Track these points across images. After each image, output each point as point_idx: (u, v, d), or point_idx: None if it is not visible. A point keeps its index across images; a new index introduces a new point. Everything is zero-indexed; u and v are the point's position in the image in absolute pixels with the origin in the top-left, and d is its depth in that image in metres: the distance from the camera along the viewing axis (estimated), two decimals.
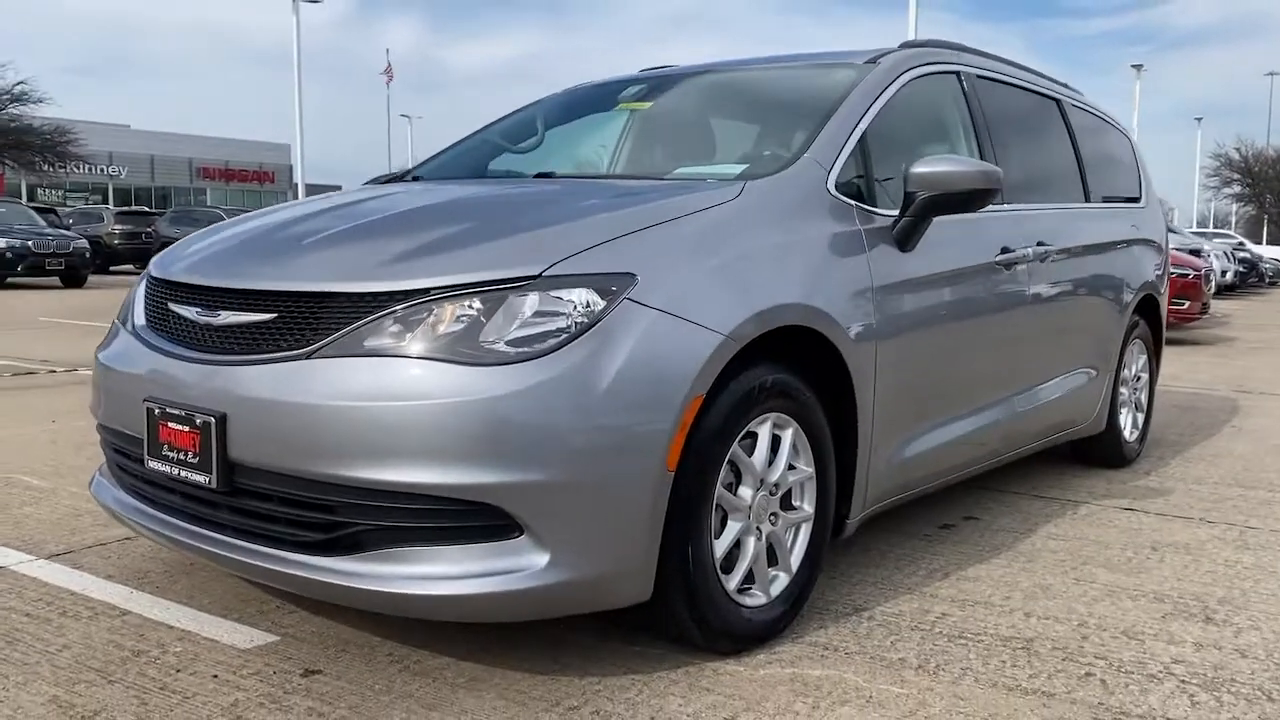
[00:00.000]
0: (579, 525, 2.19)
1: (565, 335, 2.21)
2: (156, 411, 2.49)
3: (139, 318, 2.78)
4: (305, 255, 2.50)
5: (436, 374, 2.17)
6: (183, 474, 2.44)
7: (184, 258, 2.79)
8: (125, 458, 2.72)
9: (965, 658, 2.60)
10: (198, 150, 69.69)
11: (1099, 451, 4.73)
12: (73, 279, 19.36)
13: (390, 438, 2.15)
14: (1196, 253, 14.81)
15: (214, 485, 2.37)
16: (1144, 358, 4.99)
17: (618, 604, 2.32)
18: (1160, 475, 4.72)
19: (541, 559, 2.17)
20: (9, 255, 18.36)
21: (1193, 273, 11.38)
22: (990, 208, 3.60)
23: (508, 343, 2.20)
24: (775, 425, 2.61)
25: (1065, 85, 4.85)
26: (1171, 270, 11.27)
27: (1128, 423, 4.85)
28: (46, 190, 55.96)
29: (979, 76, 3.87)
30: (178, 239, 13.74)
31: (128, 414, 2.62)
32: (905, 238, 3.04)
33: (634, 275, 2.31)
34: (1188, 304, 11.31)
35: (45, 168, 43.81)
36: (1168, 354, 10.00)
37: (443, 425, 2.13)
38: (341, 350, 2.25)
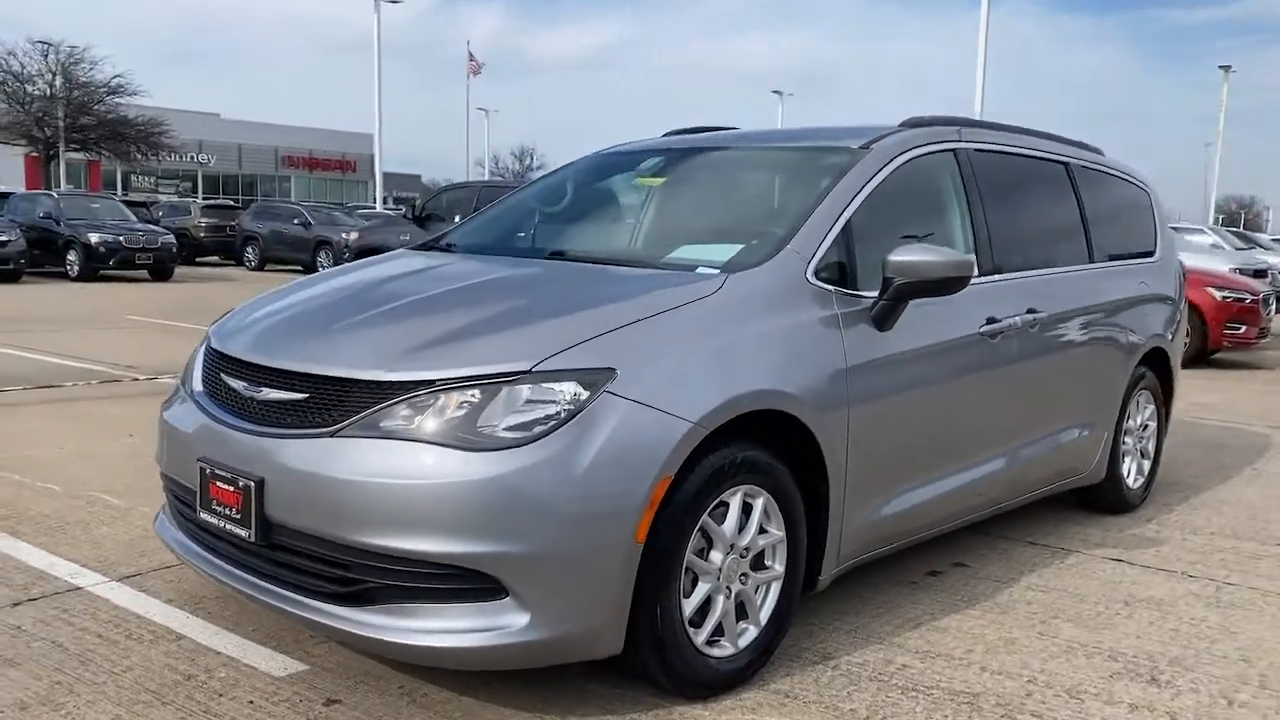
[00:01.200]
0: (556, 590, 2.53)
1: (552, 423, 2.56)
2: (208, 471, 2.89)
3: (197, 384, 3.19)
4: (336, 341, 2.88)
5: (439, 456, 2.53)
6: (228, 526, 2.84)
7: (238, 332, 3.19)
8: (183, 504, 3.14)
9: (912, 710, 2.89)
10: (283, 139, 71.35)
11: (1101, 498, 4.94)
12: (160, 272, 20.28)
13: (397, 510, 2.52)
14: (1261, 274, 14.61)
15: (252, 539, 2.77)
16: (1151, 408, 5.17)
17: (592, 657, 2.66)
18: (1160, 523, 4.91)
19: (523, 619, 2.53)
20: (102, 250, 19.32)
21: (1250, 297, 11.33)
22: (980, 279, 3.87)
23: (502, 429, 2.55)
24: (747, 495, 2.93)
25: (1080, 145, 5.05)
26: (1229, 294, 11.25)
27: (1131, 470, 5.05)
28: (140, 177, 58.04)
29: (978, 151, 4.11)
30: (260, 233, 14.72)
31: (185, 468, 3.03)
32: (883, 319, 3.33)
33: (614, 370, 2.65)
34: (1244, 329, 11.26)
35: (138, 157, 45.47)
36: (1211, 383, 10.03)
37: (441, 502, 2.50)
38: (361, 431, 2.62)
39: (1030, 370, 4.08)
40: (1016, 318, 3.96)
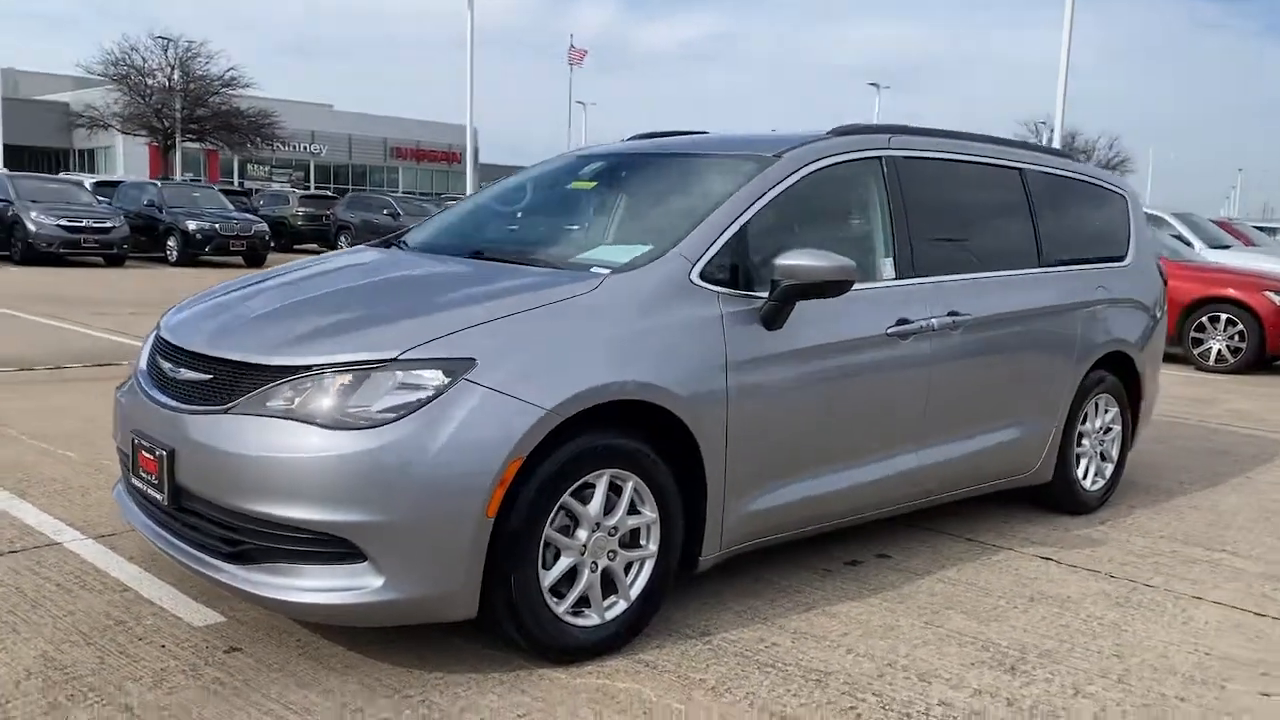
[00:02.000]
0: (409, 556, 2.83)
1: (413, 407, 2.85)
2: (136, 441, 3.27)
3: (142, 363, 3.58)
4: (245, 329, 3.22)
5: (311, 433, 2.85)
6: (150, 491, 3.21)
7: (175, 317, 3.57)
8: (125, 470, 3.53)
9: (759, 684, 3.10)
10: (392, 131, 73.21)
11: (1053, 499, 5.02)
12: (253, 258, 21.28)
13: (273, 481, 2.84)
14: None
15: (166, 502, 3.13)
16: (1114, 411, 5.21)
17: (447, 619, 2.95)
18: (1114, 525, 4.97)
19: (378, 581, 2.83)
20: (198, 236, 20.41)
21: None
22: (896, 282, 4.03)
23: (368, 411, 2.85)
24: (614, 479, 3.17)
25: (1044, 150, 5.13)
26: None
27: (1089, 473, 5.11)
28: (255, 166, 60.34)
29: (909, 158, 4.25)
30: (352, 222, 15.57)
31: (125, 439, 3.42)
32: (771, 318, 3.53)
33: (474, 360, 2.93)
34: None
35: (250, 147, 47.40)
36: (1257, 389, 9.80)
37: (309, 474, 2.81)
38: (248, 409, 2.96)
39: (953, 370, 4.21)
40: (934, 319, 4.10)
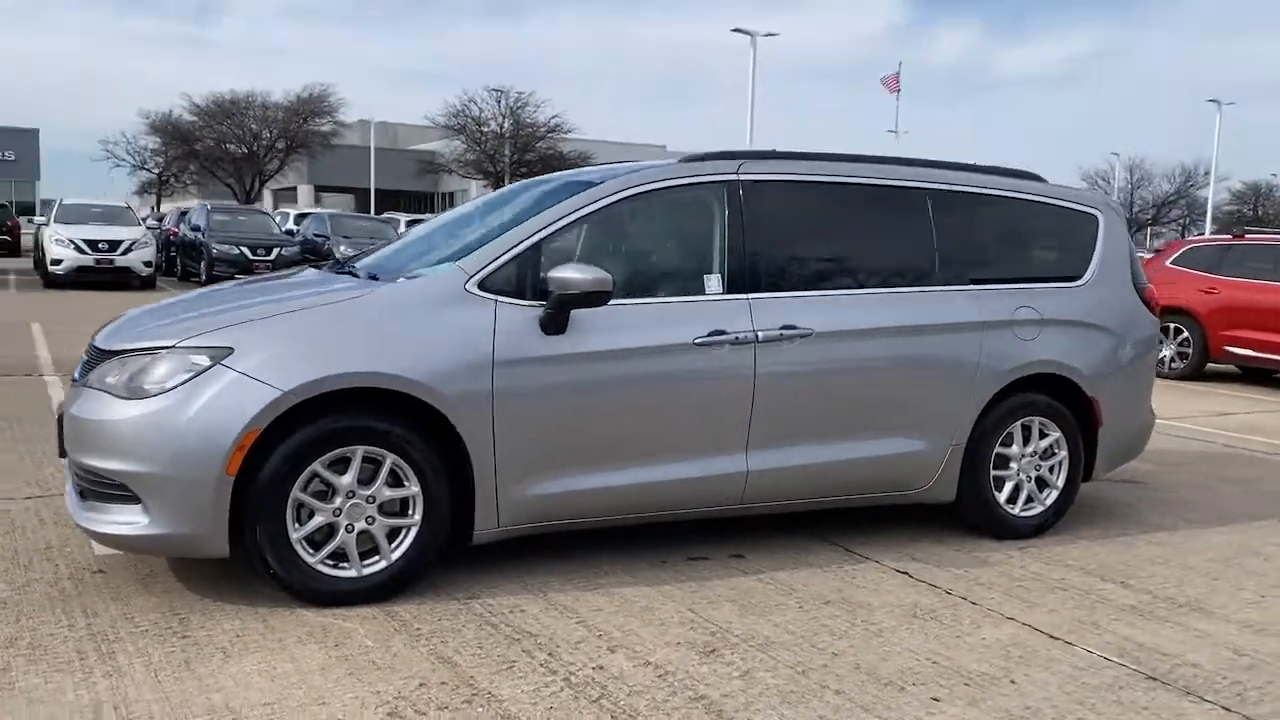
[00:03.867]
0: (167, 502, 3.59)
1: (178, 384, 3.63)
2: (60, 412, 4.29)
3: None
4: (124, 326, 4.14)
5: (111, 402, 3.70)
6: (59, 447, 4.21)
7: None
8: None
9: (462, 636, 3.57)
10: None
11: (967, 520, 4.98)
12: None
13: (87, 437, 3.72)
14: None
15: (60, 455, 4.10)
16: (1054, 436, 5.05)
17: (203, 555, 3.68)
18: (1026, 550, 4.84)
19: (145, 519, 3.62)
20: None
21: None
22: (717, 296, 4.33)
23: (147, 385, 3.66)
24: (369, 455, 3.78)
25: (979, 170, 5.12)
26: None
27: (1018, 497, 5.00)
28: None
29: (760, 181, 4.51)
30: None
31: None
32: (549, 324, 3.99)
33: (232, 348, 3.66)
34: None
35: None
36: None
37: (106, 433, 3.66)
38: (90, 383, 3.86)
39: (792, 381, 4.40)
40: (759, 331, 4.33)
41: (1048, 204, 5.21)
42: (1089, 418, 5.14)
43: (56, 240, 19.17)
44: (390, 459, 3.81)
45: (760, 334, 4.34)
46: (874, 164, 4.87)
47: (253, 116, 47.62)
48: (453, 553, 4.14)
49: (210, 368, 3.64)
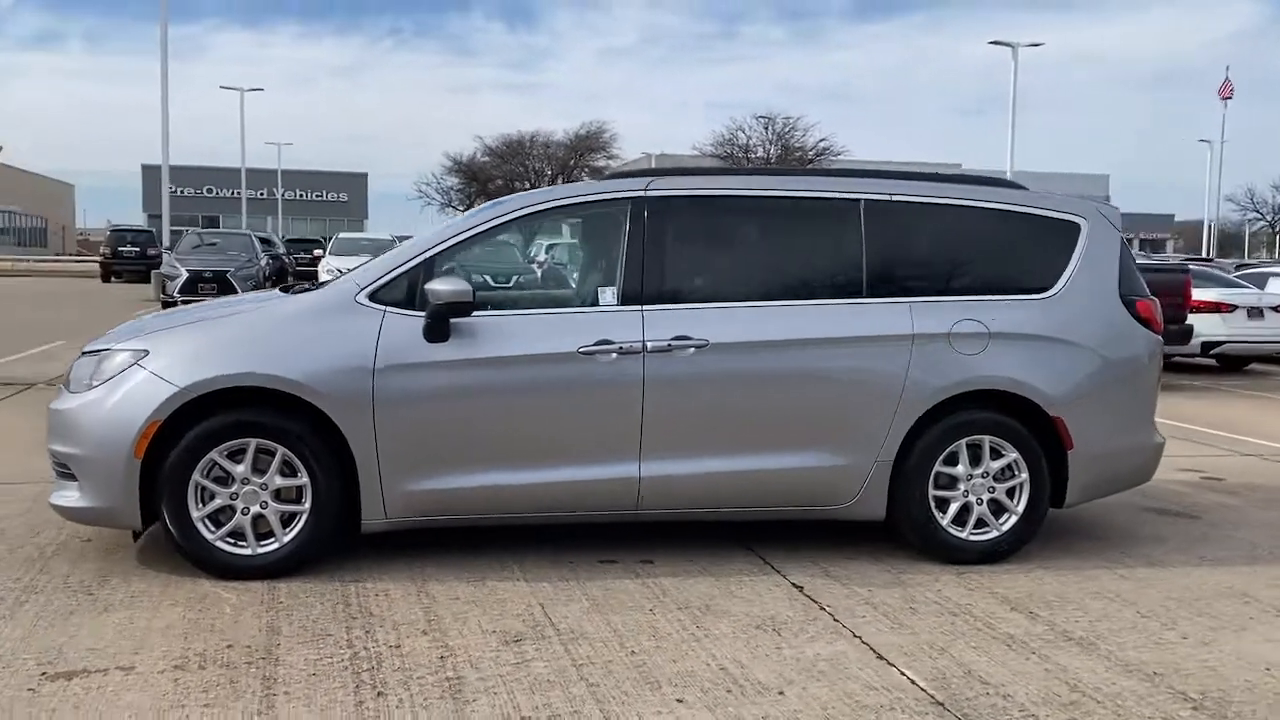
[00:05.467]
0: (90, 479, 4.26)
1: (105, 379, 4.30)
2: None
3: None
4: (107, 332, 4.90)
5: (65, 395, 4.44)
6: None
7: None
8: None
9: (309, 609, 3.98)
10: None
11: (910, 540, 4.80)
12: None
13: (50, 424, 4.47)
14: None
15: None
16: (1011, 457, 4.76)
17: (125, 527, 4.33)
18: (967, 576, 4.62)
19: (78, 494, 4.31)
20: None
21: None
22: (608, 308, 4.52)
23: (87, 381, 4.37)
24: (261, 447, 4.29)
25: (934, 179, 4.96)
26: None
27: (968, 520, 4.76)
28: None
29: (666, 198, 4.64)
30: None
31: None
32: (428, 332, 4.35)
33: (148, 351, 4.30)
34: None
35: None
36: None
37: (57, 420, 4.40)
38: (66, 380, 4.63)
39: (686, 390, 4.49)
40: (647, 342, 4.46)
41: (1013, 212, 4.93)
42: (1055, 439, 4.80)
43: (327, 270, 21.56)
44: (281, 451, 4.29)
45: (649, 344, 4.47)
46: (800, 177, 4.86)
47: (536, 155, 50.90)
48: (347, 541, 4.55)
49: (130, 367, 4.29)
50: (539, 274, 4.88)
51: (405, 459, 4.36)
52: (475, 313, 4.39)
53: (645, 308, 4.53)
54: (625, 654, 3.67)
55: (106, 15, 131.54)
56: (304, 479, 4.32)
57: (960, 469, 4.76)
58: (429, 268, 4.47)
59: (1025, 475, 4.80)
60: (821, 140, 48.53)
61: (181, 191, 70.82)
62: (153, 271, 23.57)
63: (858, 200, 4.81)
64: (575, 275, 4.85)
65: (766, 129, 48.61)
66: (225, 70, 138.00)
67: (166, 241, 30.92)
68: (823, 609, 4.18)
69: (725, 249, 4.76)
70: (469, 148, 57.58)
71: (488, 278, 4.84)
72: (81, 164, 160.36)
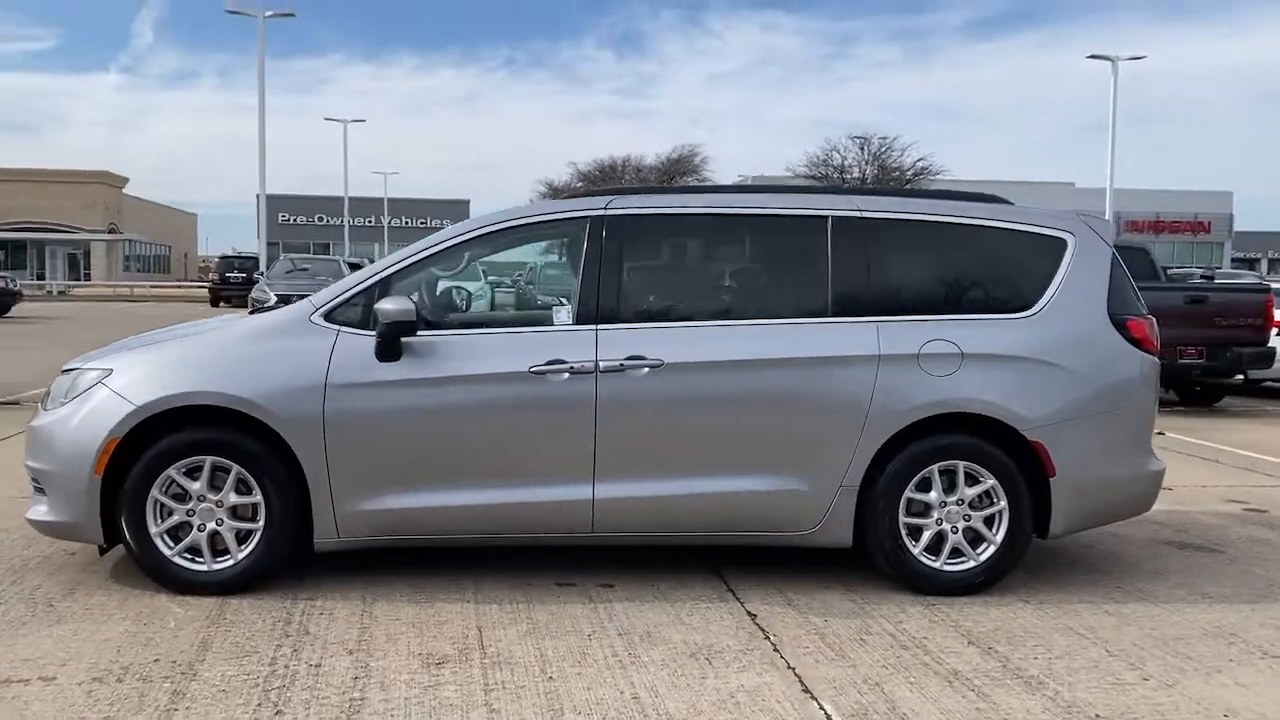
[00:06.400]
0: (56, 493, 4.40)
1: (74, 397, 4.44)
2: None
3: None
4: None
5: (40, 412, 4.59)
6: None
7: None
8: None
9: (249, 624, 4.02)
10: (1125, 204, 70.15)
11: (881, 569, 4.62)
12: None
13: (27, 440, 4.63)
14: None
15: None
16: (987, 484, 4.53)
17: (86, 541, 4.44)
18: (936, 608, 4.41)
19: (46, 508, 4.44)
20: None
21: None
22: (562, 327, 4.49)
23: (59, 398, 4.51)
24: (216, 465, 4.36)
25: (907, 194, 4.80)
26: None
27: (942, 549, 4.55)
28: None
29: (625, 216, 4.58)
30: None
31: None
32: (379, 351, 4.37)
33: (112, 369, 4.42)
34: None
35: None
36: None
37: (31, 437, 4.56)
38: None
39: (641, 411, 4.41)
40: (600, 361, 4.40)
41: (991, 228, 4.73)
42: (1036, 465, 4.57)
43: (258, 290, 22.09)
44: (235, 469, 4.36)
45: (602, 364, 4.41)
46: (767, 194, 4.74)
47: (627, 179, 51.20)
48: (302, 560, 4.59)
49: (95, 385, 4.41)
50: (498, 294, 4.86)
51: (356, 478, 4.38)
52: (426, 332, 4.40)
53: (600, 326, 4.47)
54: (543, 680, 3.60)
55: (237, 52, 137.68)
56: (258, 497, 4.38)
57: (933, 495, 4.56)
58: (384, 287, 4.50)
59: (1004, 503, 4.57)
60: (920, 160, 47.72)
61: (294, 219, 73.79)
62: (249, 296, 24.46)
63: (825, 217, 4.67)
64: (536, 295, 4.82)
65: (862, 149, 48.03)
66: (346, 102, 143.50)
67: (264, 267, 32.06)
68: (767, 638, 4.04)
69: (685, 268, 4.69)
70: (565, 173, 58.33)
71: (455, 294, 4.81)
72: (206, 194, 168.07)
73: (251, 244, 60.49)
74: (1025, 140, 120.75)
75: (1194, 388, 12.03)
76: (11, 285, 26.91)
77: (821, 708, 3.42)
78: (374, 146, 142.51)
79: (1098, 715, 3.40)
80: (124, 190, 63.98)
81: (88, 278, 55.57)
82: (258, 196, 34.74)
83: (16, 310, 26.31)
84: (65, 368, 4.70)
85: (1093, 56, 30.89)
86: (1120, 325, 4.70)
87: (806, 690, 3.56)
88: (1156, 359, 4.78)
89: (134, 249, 64.82)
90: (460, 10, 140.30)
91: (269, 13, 31.10)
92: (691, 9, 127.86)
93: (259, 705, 3.36)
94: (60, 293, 46.50)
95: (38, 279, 51.90)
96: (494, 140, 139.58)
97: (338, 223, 66.22)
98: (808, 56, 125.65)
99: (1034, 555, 5.07)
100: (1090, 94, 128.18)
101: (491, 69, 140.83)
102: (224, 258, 39.32)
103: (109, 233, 58.12)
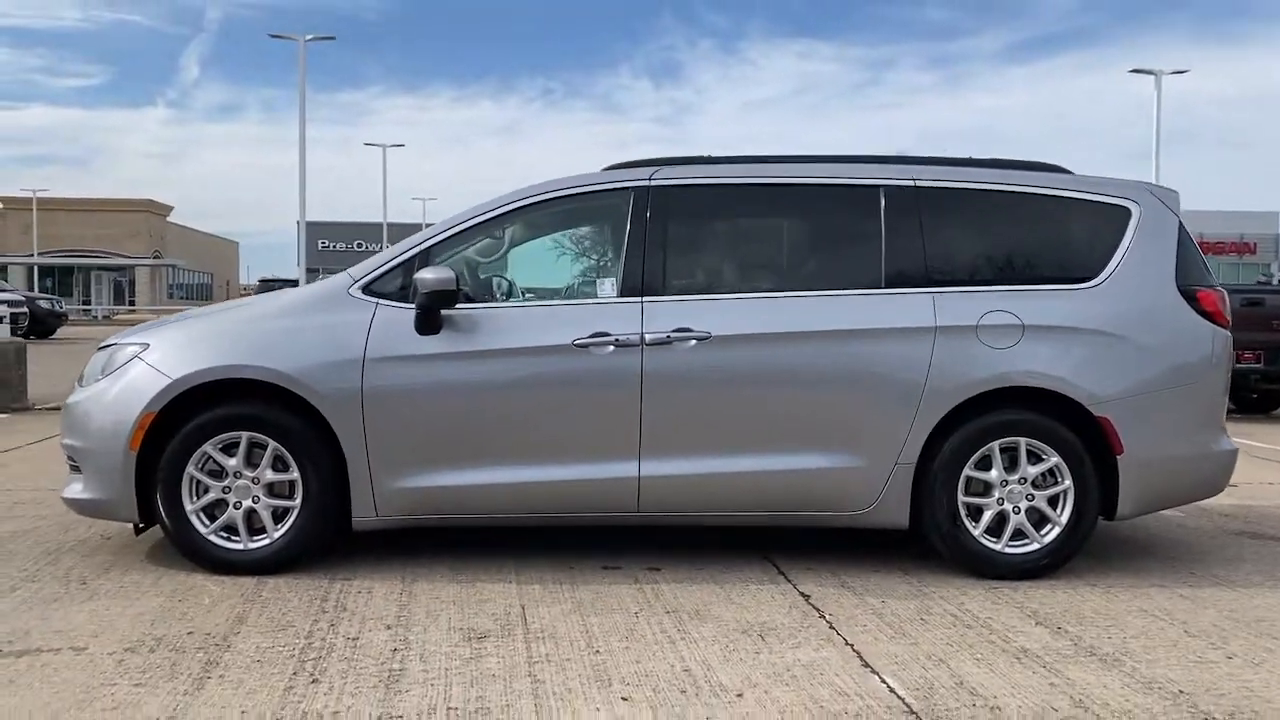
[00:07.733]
0: (92, 471, 4.30)
1: (109, 373, 4.35)
2: None
3: None
4: None
5: (75, 389, 4.51)
6: None
7: None
8: None
9: (286, 602, 3.90)
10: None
11: (941, 552, 4.41)
12: None
13: (62, 418, 4.55)
14: None
15: None
16: (1051, 462, 4.31)
17: (124, 520, 4.33)
18: (999, 591, 4.21)
19: (82, 486, 4.35)
20: None
21: None
22: (606, 299, 4.35)
23: (93, 375, 4.43)
24: (253, 441, 4.25)
25: (962, 164, 4.63)
26: None
27: (1004, 530, 4.35)
28: None
29: (671, 187, 4.45)
30: None
31: None
32: (419, 324, 4.25)
33: (149, 344, 4.33)
34: None
35: None
36: None
37: (66, 414, 4.47)
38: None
39: (691, 386, 4.25)
40: (646, 334, 4.25)
41: (1055, 197, 4.54)
42: (1103, 443, 4.36)
43: None
44: (272, 445, 4.25)
45: (648, 336, 4.26)
46: (817, 164, 4.58)
47: None
48: (338, 540, 4.46)
49: (131, 360, 4.33)
50: (539, 265, 4.73)
51: (395, 455, 4.25)
52: (466, 305, 4.28)
53: (645, 299, 4.33)
54: (589, 654, 3.44)
55: (280, 86, 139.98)
56: (295, 474, 4.26)
57: (994, 474, 4.36)
58: (425, 259, 4.39)
59: (1069, 482, 4.35)
60: None
61: (334, 245, 74.44)
62: None
63: (878, 186, 4.51)
64: (570, 265, 4.68)
65: None
66: (387, 131, 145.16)
67: None
68: (822, 617, 3.85)
69: (733, 239, 4.54)
70: None
71: (495, 271, 4.69)
72: (248, 223, 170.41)
73: (287, 271, 61.19)
74: (1068, 161, 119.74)
75: (1250, 394, 11.66)
76: (57, 308, 27.30)
77: (884, 681, 3.23)
78: (413, 175, 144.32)
79: (1181, 691, 3.18)
80: (168, 219, 64.93)
81: (132, 303, 56.31)
82: (298, 223, 35.12)
83: (61, 333, 26.65)
84: (102, 344, 4.62)
85: (1135, 70, 30.49)
86: (1190, 297, 4.49)
87: (867, 665, 3.37)
88: (1229, 333, 4.56)
89: (177, 276, 65.64)
90: (497, 43, 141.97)
91: (309, 36, 31.55)
92: (728, 38, 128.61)
93: (294, 674, 3.22)
94: (105, 317, 47.17)
95: (84, 304, 52.64)
96: (532, 168, 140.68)
97: (377, 248, 66.73)
98: (843, 84, 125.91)
99: (1097, 542, 4.85)
100: (1130, 117, 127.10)
101: (529, 99, 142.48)
102: (263, 281, 39.71)
103: (153, 259, 58.93)
